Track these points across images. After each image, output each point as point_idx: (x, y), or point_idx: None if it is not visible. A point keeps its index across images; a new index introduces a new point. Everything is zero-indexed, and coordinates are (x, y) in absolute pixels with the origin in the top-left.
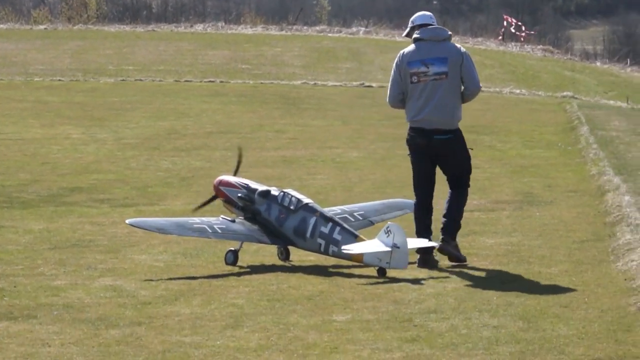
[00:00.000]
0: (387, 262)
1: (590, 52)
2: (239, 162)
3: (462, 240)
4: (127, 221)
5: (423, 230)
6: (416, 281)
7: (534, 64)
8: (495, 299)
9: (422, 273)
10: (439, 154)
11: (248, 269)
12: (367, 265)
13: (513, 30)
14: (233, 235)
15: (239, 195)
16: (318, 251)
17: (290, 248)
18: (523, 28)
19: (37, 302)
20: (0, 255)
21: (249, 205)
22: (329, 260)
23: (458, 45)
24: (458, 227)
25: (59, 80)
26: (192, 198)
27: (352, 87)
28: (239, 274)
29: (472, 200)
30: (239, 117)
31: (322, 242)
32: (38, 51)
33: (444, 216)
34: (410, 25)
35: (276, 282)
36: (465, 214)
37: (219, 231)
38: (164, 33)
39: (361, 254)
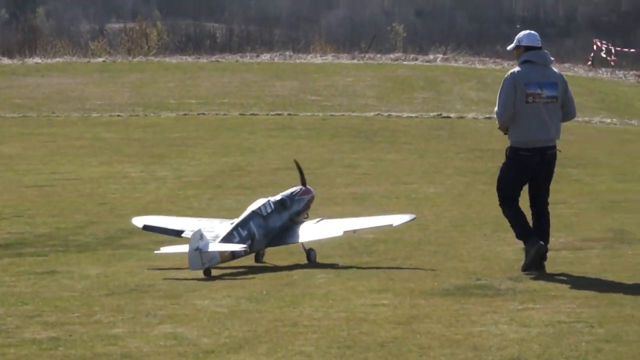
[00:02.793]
0: (203, 263)
1: None
2: (300, 171)
3: (548, 281)
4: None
5: (524, 230)
6: (498, 326)
7: (627, 91)
8: (583, 345)
9: (504, 317)
10: (543, 167)
11: (319, 314)
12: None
13: (604, 55)
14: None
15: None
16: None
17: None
18: (613, 50)
19: (94, 352)
20: (56, 302)
21: None
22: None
23: (557, 71)
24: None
25: (118, 115)
26: None
27: (429, 118)
28: (307, 319)
29: (559, 238)
30: (307, 152)
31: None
32: (96, 85)
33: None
34: (516, 43)
35: (347, 327)
36: (551, 253)
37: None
38: (228, 64)
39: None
